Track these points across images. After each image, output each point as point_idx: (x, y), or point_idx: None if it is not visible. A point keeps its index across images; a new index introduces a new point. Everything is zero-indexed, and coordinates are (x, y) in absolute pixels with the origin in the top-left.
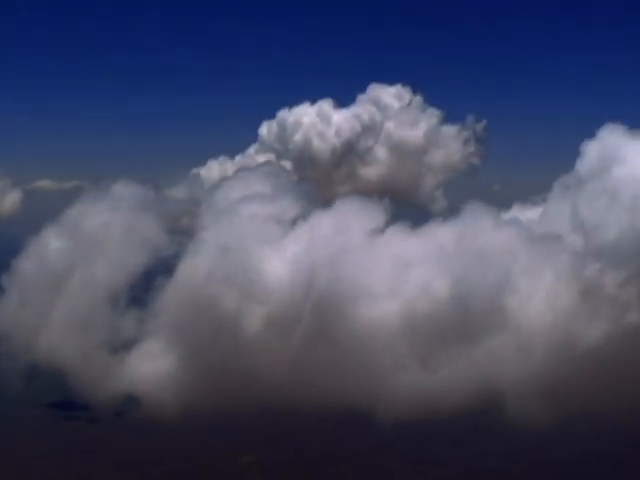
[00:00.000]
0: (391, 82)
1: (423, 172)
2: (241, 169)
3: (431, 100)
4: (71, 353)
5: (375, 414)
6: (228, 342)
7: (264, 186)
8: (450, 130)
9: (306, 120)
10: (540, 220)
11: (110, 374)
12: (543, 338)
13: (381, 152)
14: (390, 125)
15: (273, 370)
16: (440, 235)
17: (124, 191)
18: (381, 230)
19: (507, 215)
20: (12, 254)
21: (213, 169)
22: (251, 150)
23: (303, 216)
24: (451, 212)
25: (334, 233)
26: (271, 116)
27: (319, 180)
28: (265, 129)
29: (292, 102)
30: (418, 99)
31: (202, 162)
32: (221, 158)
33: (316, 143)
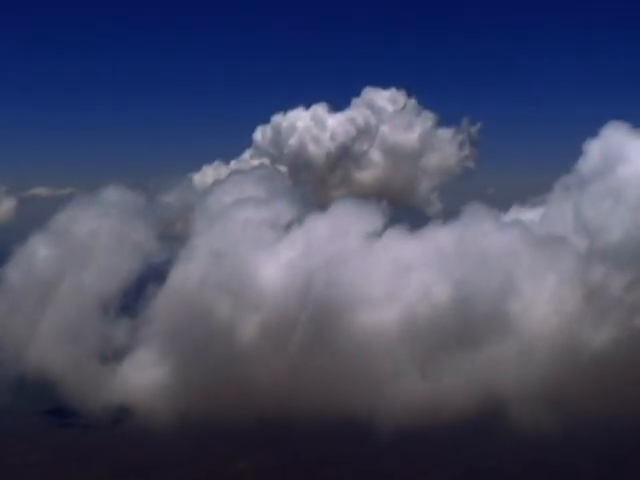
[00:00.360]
0: (385, 85)
1: (418, 175)
2: (234, 172)
3: (426, 103)
4: (62, 363)
5: (374, 423)
6: (222, 351)
7: (258, 190)
8: (445, 133)
9: (301, 124)
10: (541, 222)
11: (102, 384)
12: (547, 343)
13: (376, 156)
14: (385, 129)
15: (269, 379)
16: (440, 238)
17: (114, 196)
18: (379, 233)
19: (505, 217)
20: (4, 262)
21: (208, 174)
22: (246, 155)
23: (298, 220)
24: (446, 215)
25: (330, 237)
26: (265, 121)
27: (314, 184)
28: (260, 134)
29: (286, 106)
30: (412, 102)
31: (197, 167)
32: (216, 163)
33: (311, 147)
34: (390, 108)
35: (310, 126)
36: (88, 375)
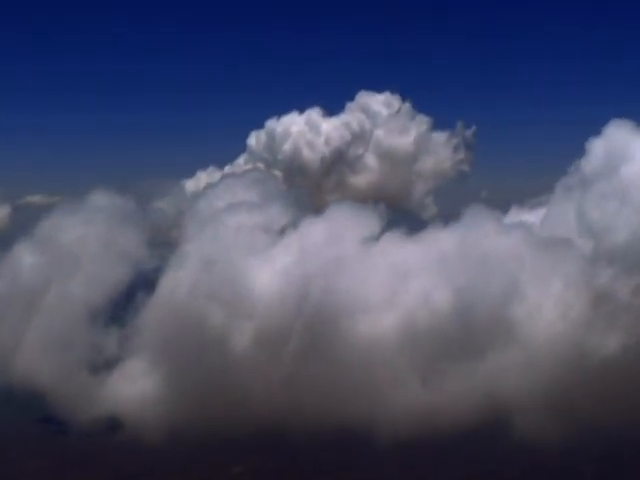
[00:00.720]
0: (380, 89)
1: (413, 179)
2: (226, 176)
3: (420, 107)
4: (50, 373)
5: (373, 433)
6: (215, 360)
7: (251, 194)
8: (440, 137)
9: (295, 129)
10: (542, 224)
11: (91, 395)
12: (552, 350)
13: (371, 160)
14: (379, 133)
15: (264, 389)
16: (440, 241)
17: (101, 202)
18: (376, 238)
19: (504, 220)
20: None
21: (201, 180)
22: (240, 160)
23: (293, 225)
24: (442, 218)
25: (326, 242)
26: (260, 126)
27: (309, 189)
28: (254, 139)
29: (280, 111)
30: (407, 106)
31: (191, 173)
32: (210, 169)
33: (305, 152)
34: (385, 112)
35: (304, 131)
36: (77, 385)
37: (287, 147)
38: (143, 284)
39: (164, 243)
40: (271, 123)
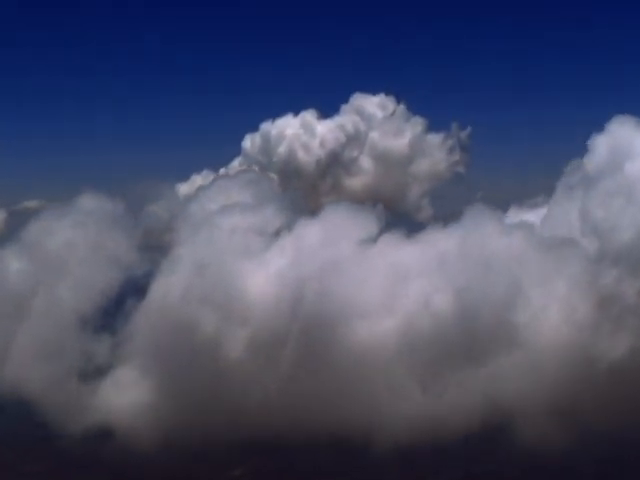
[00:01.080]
0: (374, 91)
1: (409, 181)
2: (219, 177)
3: (415, 109)
4: (39, 381)
5: (372, 442)
6: (208, 368)
7: (245, 195)
8: (435, 138)
9: (290, 132)
10: (543, 224)
11: (82, 404)
12: (557, 354)
13: (366, 162)
14: (374, 135)
15: (259, 397)
16: (440, 242)
17: (90, 205)
18: (374, 239)
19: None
20: None
21: (196, 184)
22: (235, 163)
23: (288, 227)
24: (438, 220)
25: (322, 244)
26: (254, 129)
27: (304, 192)
28: (249, 142)
29: (275, 114)
30: (402, 108)
31: (185, 177)
32: (204, 172)
33: (300, 155)
34: (379, 114)
35: (299, 133)
36: (67, 394)
37: (282, 150)
38: (134, 289)
39: (157, 247)
40: (266, 126)
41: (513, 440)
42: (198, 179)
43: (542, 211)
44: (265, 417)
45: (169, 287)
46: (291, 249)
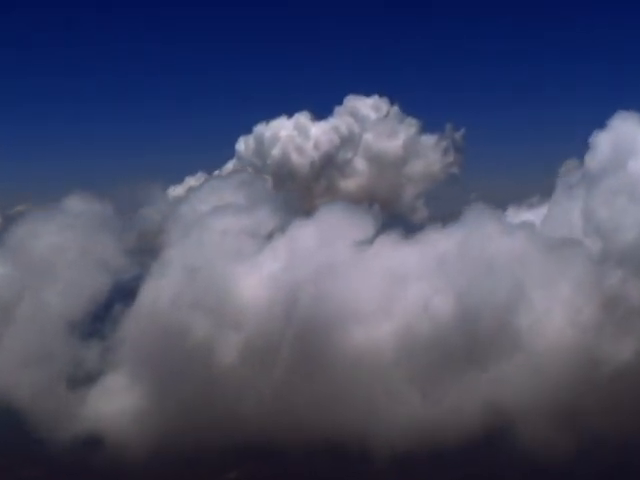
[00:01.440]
0: (368, 93)
1: (403, 182)
2: (211, 178)
3: (409, 110)
4: (25, 389)
5: (369, 448)
6: (200, 374)
7: (237, 196)
8: (429, 140)
9: (284, 134)
10: (543, 224)
11: (71, 412)
12: (561, 358)
13: (360, 164)
14: (368, 136)
15: (253, 404)
16: (438, 243)
17: (78, 207)
18: (370, 241)
19: None
20: None
21: (190, 186)
22: (229, 166)
23: (281, 228)
24: (432, 221)
25: (317, 246)
26: (248, 131)
27: (299, 194)
28: (242, 144)
29: (269, 116)
30: (396, 109)
31: (179, 180)
32: (198, 175)
33: (294, 157)
34: (373, 116)
35: (293, 135)
36: (55, 402)
37: (276, 152)
38: (123, 294)
39: (147, 250)
40: (260, 128)
41: (515, 446)
42: (192, 182)
43: (539, 211)
44: (260, 423)
45: (159, 291)
46: (285, 251)
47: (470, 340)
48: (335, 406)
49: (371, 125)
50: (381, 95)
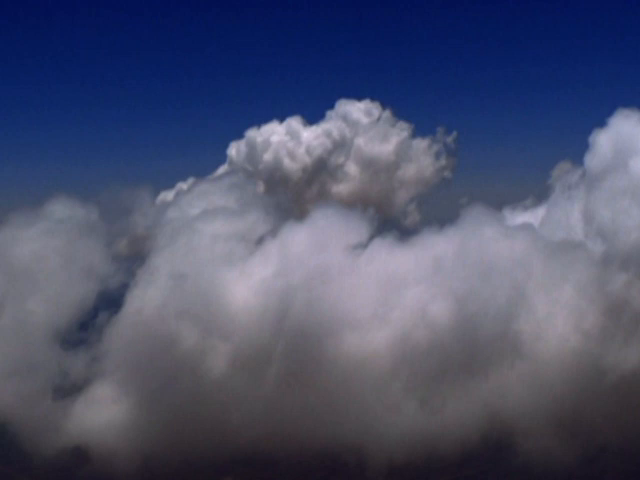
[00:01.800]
0: (359, 97)
1: (395, 186)
2: (200, 181)
3: (401, 114)
4: (10, 401)
5: (365, 461)
6: (189, 385)
7: (228, 200)
8: (421, 143)
9: (275, 139)
10: (542, 226)
11: (56, 423)
12: (563, 366)
13: (352, 168)
14: (360, 141)
15: (244, 416)
16: (436, 247)
17: (61, 212)
18: (365, 245)
19: None
20: None
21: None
22: (221, 171)
23: (273, 232)
24: (425, 225)
25: (310, 250)
26: (239, 136)
27: (291, 199)
28: (234, 149)
29: (260, 121)
30: (387, 113)
31: (171, 185)
32: (190, 180)
33: (286, 162)
34: (365, 120)
35: (285, 140)
36: (40, 413)
37: (268, 157)
38: (109, 301)
39: (135, 256)
40: (251, 133)
41: (515, 456)
42: (183, 187)
43: (534, 213)
44: (251, 435)
45: (146, 298)
46: (277, 256)
47: (469, 347)
48: (330, 416)
49: (363, 129)
50: (373, 99)
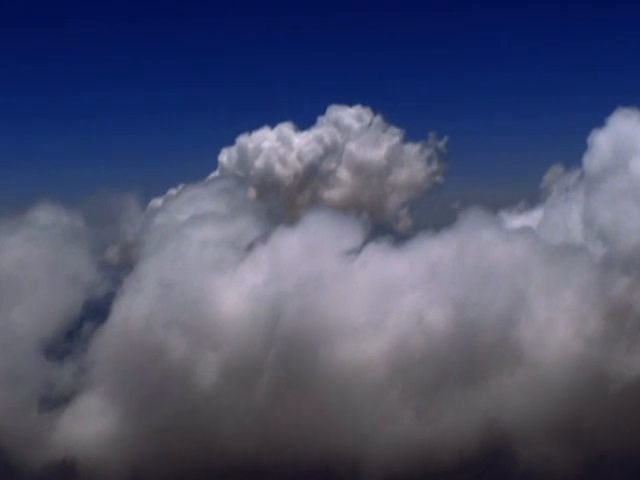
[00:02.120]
0: (350, 103)
1: (387, 192)
2: (189, 186)
3: (392, 119)
4: None
5: (361, 474)
6: (179, 396)
7: (217, 205)
8: (412, 149)
9: (266, 145)
10: (540, 229)
11: (41, 436)
12: (565, 373)
13: (344, 174)
14: (352, 146)
15: (236, 427)
16: (432, 251)
17: (46, 218)
18: (358, 250)
19: None
20: None
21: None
22: (212, 178)
23: (264, 238)
24: (417, 230)
25: (302, 256)
26: (230, 142)
27: (283, 205)
28: (225, 156)
29: (251, 127)
30: (378, 119)
31: (162, 192)
32: (180, 187)
33: (278, 168)
34: (356, 125)
35: (276, 146)
36: (26, 425)
37: (259, 163)
38: (96, 311)
39: (123, 264)
40: (242, 139)
41: (515, 468)
42: (174, 193)
43: (531, 216)
44: (243, 447)
45: (133, 307)
46: (268, 262)
47: (468, 354)
48: (324, 426)
49: (354, 135)
50: (364, 105)
